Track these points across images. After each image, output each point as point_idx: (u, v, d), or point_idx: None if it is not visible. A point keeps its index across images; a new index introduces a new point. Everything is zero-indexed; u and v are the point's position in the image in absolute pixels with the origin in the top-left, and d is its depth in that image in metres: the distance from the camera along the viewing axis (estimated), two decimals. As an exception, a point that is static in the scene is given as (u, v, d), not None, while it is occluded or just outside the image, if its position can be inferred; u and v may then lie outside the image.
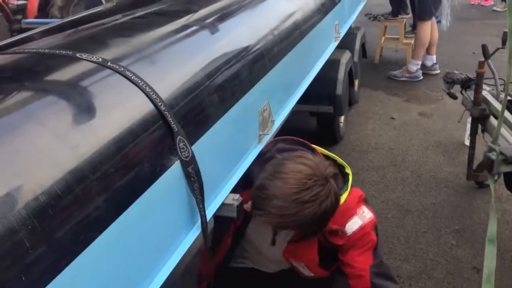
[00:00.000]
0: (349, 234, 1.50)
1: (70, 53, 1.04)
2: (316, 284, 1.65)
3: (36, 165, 0.78)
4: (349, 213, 1.51)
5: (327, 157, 1.60)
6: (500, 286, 2.46)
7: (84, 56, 1.03)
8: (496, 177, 3.22)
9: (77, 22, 2.06)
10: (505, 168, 1.36)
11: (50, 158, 0.80)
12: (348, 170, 1.59)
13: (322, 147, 1.65)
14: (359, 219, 1.51)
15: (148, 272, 1.00)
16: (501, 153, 1.34)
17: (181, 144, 1.08)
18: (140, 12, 1.59)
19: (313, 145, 1.59)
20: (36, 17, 7.26)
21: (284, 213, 1.29)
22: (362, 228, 1.50)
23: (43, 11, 7.64)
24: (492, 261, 1.42)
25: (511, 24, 1.11)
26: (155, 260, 1.03)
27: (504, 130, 2.60)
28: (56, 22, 2.16)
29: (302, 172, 1.31)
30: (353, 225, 1.50)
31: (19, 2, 7.76)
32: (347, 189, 1.53)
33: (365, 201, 1.61)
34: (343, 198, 1.48)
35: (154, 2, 2.01)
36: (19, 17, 6.82)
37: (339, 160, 1.61)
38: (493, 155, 1.35)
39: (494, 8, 8.45)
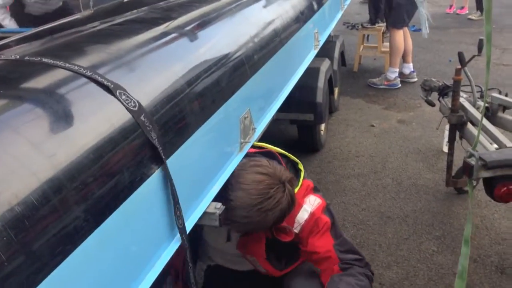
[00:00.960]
0: (302, 223, 1.54)
1: (46, 60, 1.01)
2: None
3: (12, 175, 0.75)
4: (297, 206, 1.54)
5: (281, 154, 1.66)
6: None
7: (60, 63, 1.01)
8: (474, 183, 3.28)
9: (54, 30, 2.04)
10: (485, 174, 1.37)
11: (26, 167, 0.77)
12: (301, 166, 1.66)
13: (303, 155, 1.69)
14: (307, 207, 1.56)
15: (127, 285, 0.98)
16: (480, 158, 1.35)
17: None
18: (118, 20, 1.57)
19: (264, 144, 1.64)
20: (11, 26, 7.15)
21: (249, 221, 1.38)
22: (312, 214, 1.55)
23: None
24: (465, 260, 1.46)
25: (488, 32, 1.12)
26: (135, 272, 1.01)
27: (481, 137, 2.64)
28: (32, 30, 2.13)
29: (263, 182, 1.39)
30: (303, 215, 1.55)
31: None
32: (297, 185, 1.57)
33: (314, 190, 1.63)
34: (301, 171, 1.61)
35: (132, 9, 2.00)
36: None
37: (291, 157, 1.68)
38: (472, 161, 1.36)
39: (469, 16, 8.61)
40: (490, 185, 1.76)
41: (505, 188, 1.75)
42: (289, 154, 1.69)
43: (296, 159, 1.67)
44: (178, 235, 1.14)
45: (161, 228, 1.10)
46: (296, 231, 1.54)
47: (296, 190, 1.53)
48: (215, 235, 1.70)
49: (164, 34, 1.44)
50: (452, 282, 2.58)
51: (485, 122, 2.78)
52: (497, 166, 1.35)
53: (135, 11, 1.74)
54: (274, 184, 1.38)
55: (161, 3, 1.92)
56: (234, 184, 1.39)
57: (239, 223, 1.39)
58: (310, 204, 1.56)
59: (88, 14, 2.28)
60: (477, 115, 2.91)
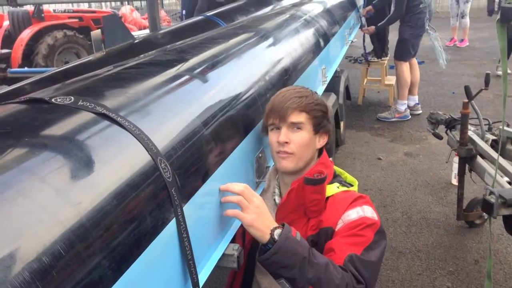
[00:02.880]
0: (345, 222, 1.37)
1: (68, 104, 1.02)
2: None
3: (38, 224, 0.75)
4: (353, 203, 1.41)
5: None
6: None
7: (82, 107, 1.02)
8: (485, 216, 3.23)
9: (68, 72, 2.07)
10: (505, 211, 1.36)
11: (53, 215, 0.77)
12: (353, 179, 1.62)
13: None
14: (360, 210, 1.39)
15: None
16: (500, 196, 1.34)
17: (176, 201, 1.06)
18: (132, 62, 1.59)
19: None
20: (20, 66, 7.27)
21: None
22: (361, 218, 1.36)
23: (27, 59, 7.67)
24: None
25: (504, 70, 1.13)
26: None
27: (492, 170, 2.63)
28: (46, 71, 2.16)
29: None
30: (352, 213, 1.39)
31: (3, 51, 7.79)
32: (352, 187, 1.54)
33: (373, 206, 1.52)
34: (345, 188, 1.49)
35: (143, 50, 2.03)
36: (3, 65, 6.82)
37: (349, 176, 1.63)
38: (492, 198, 1.35)
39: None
40: (510, 223, 1.74)
41: (525, 225, 1.73)
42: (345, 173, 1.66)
43: (353, 178, 1.62)
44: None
45: (175, 278, 1.08)
46: (336, 228, 1.38)
47: (355, 187, 1.53)
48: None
49: (179, 76, 1.46)
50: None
51: (495, 155, 2.77)
52: (517, 203, 1.34)
53: (149, 53, 1.76)
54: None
55: (173, 44, 1.95)
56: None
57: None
58: (368, 211, 1.40)
59: (100, 56, 2.32)
60: (486, 148, 2.91)
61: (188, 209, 1.10)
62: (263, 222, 1.25)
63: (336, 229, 1.39)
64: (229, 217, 1.35)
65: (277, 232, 1.24)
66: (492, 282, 1.46)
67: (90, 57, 2.37)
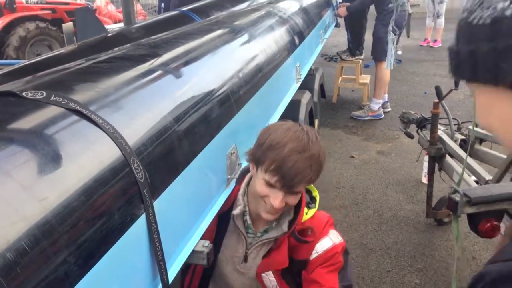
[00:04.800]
0: (320, 252, 1.49)
1: (40, 98, 1.01)
2: None
3: (3, 219, 0.73)
4: (321, 233, 1.50)
5: None
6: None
7: (55, 102, 1.00)
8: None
9: (39, 65, 2.03)
10: (469, 210, 1.39)
11: (17, 211, 0.76)
12: (316, 193, 1.60)
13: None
14: (331, 239, 1.51)
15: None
16: (465, 195, 1.37)
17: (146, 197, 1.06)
18: (104, 56, 1.57)
19: None
20: (-10, 57, 7.09)
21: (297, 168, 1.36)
22: (333, 247, 1.49)
23: (-3, 51, 7.49)
24: None
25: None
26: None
27: (460, 169, 2.69)
28: (17, 63, 2.12)
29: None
30: (326, 243, 1.49)
31: (-28, 42, 7.58)
32: (315, 207, 1.54)
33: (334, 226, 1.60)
34: (312, 211, 1.52)
35: (116, 44, 2.00)
36: (-28, 56, 6.64)
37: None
38: (457, 197, 1.38)
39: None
40: (474, 221, 1.79)
41: (489, 224, 1.78)
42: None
43: (312, 186, 1.62)
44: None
45: (144, 276, 1.07)
46: (311, 257, 1.49)
47: (314, 210, 1.53)
48: (231, 256, 1.58)
49: (152, 71, 1.44)
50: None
51: (463, 155, 2.83)
52: (481, 202, 1.38)
53: (121, 47, 1.74)
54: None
55: (147, 39, 1.93)
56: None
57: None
58: (335, 238, 1.51)
59: (72, 49, 2.29)
60: (455, 147, 2.97)
61: (158, 205, 1.10)
62: None
63: (310, 259, 1.48)
64: (199, 213, 1.35)
65: None
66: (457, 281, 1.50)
67: (62, 50, 2.33)
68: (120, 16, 10.10)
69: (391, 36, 5.27)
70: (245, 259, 1.53)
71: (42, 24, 8.24)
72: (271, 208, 1.38)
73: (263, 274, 1.54)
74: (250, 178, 1.50)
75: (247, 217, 1.52)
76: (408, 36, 7.63)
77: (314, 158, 1.40)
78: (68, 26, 2.54)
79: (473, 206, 1.38)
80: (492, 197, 1.41)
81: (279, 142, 1.38)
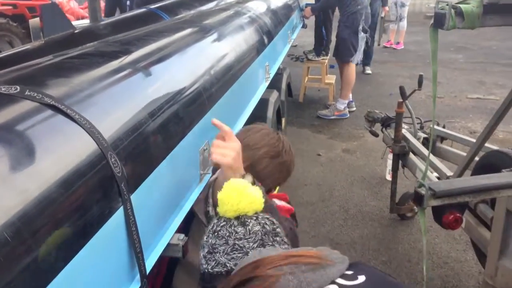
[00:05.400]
0: None
1: (14, 93, 1.01)
2: None
3: (-16, 211, 0.74)
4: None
5: None
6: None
7: (30, 97, 1.01)
8: (416, 210, 3.41)
9: (3, 60, 2.00)
10: (434, 202, 1.47)
11: (-2, 203, 0.77)
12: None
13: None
14: (277, 201, 1.50)
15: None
16: (430, 188, 1.44)
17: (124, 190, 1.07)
18: (75, 52, 1.57)
19: None
20: None
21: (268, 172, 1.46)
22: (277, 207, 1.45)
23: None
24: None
25: (434, 71, 1.22)
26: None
27: (423, 166, 2.79)
28: (-18, 59, 2.07)
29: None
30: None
31: None
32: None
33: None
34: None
35: (84, 41, 1.99)
36: None
37: None
38: (422, 190, 1.45)
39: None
40: (438, 213, 1.89)
41: (452, 216, 1.87)
42: None
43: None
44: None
45: (123, 267, 1.09)
46: None
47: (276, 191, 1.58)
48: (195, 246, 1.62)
49: (125, 67, 1.45)
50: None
51: (426, 152, 2.94)
52: (445, 195, 1.45)
53: (92, 44, 1.74)
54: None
55: (116, 36, 1.93)
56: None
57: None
58: (280, 202, 1.53)
59: (39, 45, 2.26)
60: (418, 145, 3.07)
61: (135, 199, 1.12)
62: (237, 162, 1.28)
63: None
64: (173, 207, 1.37)
65: (248, 179, 1.26)
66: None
67: (28, 46, 2.30)
68: (83, 13, 9.91)
69: (361, 35, 5.41)
70: None
71: (2, 20, 8.02)
72: None
73: None
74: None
75: (210, 208, 1.57)
76: (378, 44, 7.80)
77: (285, 166, 1.55)
78: (34, 21, 2.50)
79: (438, 199, 1.45)
80: (455, 191, 1.48)
81: (256, 144, 1.49)
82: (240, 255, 0.99)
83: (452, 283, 2.86)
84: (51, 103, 1.03)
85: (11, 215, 0.77)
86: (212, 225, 1.07)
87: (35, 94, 1.04)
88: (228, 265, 0.98)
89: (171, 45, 1.87)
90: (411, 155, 3.09)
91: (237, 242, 1.00)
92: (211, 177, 1.64)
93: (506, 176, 1.60)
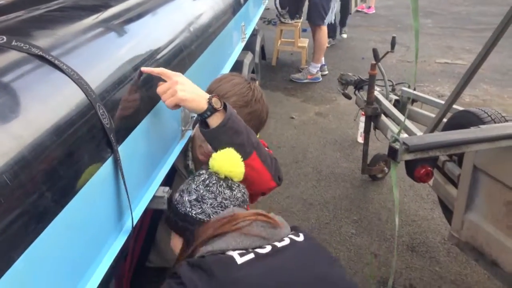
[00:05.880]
0: None
1: (1, 43, 1.00)
2: None
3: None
4: None
5: None
6: (390, 267, 2.71)
7: (17, 47, 1.00)
8: (386, 171, 3.52)
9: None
10: (407, 157, 1.54)
11: (-5, 147, 0.78)
12: None
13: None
14: None
15: (87, 267, 1.00)
16: (404, 143, 1.51)
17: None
18: (54, 6, 1.54)
19: None
20: None
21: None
22: None
23: None
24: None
25: (416, 29, 1.26)
26: (92, 257, 1.03)
27: (393, 126, 2.88)
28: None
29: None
30: None
31: None
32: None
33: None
34: None
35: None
36: None
37: None
38: (397, 145, 1.52)
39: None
40: (411, 167, 1.97)
41: (423, 170, 1.96)
42: None
43: None
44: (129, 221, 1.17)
45: (113, 215, 1.12)
46: None
47: None
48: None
49: (107, 20, 1.44)
50: (369, 260, 2.79)
51: (397, 113, 3.02)
52: (418, 150, 1.52)
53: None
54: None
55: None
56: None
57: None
58: None
59: (10, 0, 2.18)
60: (390, 107, 3.15)
61: (122, 151, 1.13)
62: (193, 92, 1.32)
63: None
64: (158, 161, 1.40)
65: (214, 101, 1.31)
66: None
67: (2, 1, 2.22)
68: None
69: None
70: None
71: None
72: (206, 151, 1.53)
73: None
74: None
75: (190, 162, 1.62)
76: (350, 13, 7.80)
77: (255, 115, 1.58)
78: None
79: (410, 153, 1.52)
80: (427, 145, 1.55)
81: (226, 93, 1.52)
82: (221, 210, 1.20)
83: (420, 239, 3.00)
84: (39, 53, 1.02)
85: (9, 158, 0.78)
86: (203, 177, 1.24)
87: (22, 45, 1.03)
88: (211, 216, 1.19)
89: (149, 0, 1.85)
90: (383, 117, 3.17)
91: (223, 201, 1.21)
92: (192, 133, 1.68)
93: (474, 131, 1.69)
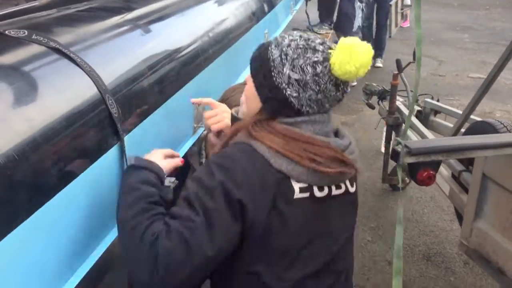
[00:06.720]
0: None
1: (22, 36, 1.11)
2: None
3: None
4: None
5: None
6: (408, 275, 2.71)
7: (36, 40, 1.11)
8: (408, 181, 3.52)
9: (12, 16, 2.09)
10: (409, 159, 1.58)
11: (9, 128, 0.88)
12: None
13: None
14: None
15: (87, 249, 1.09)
16: (406, 146, 1.55)
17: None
18: (82, 7, 1.66)
19: None
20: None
21: None
22: None
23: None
24: (400, 239, 1.66)
25: (418, 35, 1.31)
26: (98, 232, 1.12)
27: (412, 135, 2.89)
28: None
29: None
30: None
31: None
32: None
33: None
34: None
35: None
36: None
37: None
38: (399, 148, 1.56)
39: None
40: (413, 170, 2.01)
41: (426, 173, 1.99)
42: None
43: None
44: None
45: (115, 199, 1.20)
46: None
47: None
48: None
49: (128, 22, 1.55)
50: (383, 267, 2.81)
51: (418, 123, 3.03)
52: (420, 153, 1.55)
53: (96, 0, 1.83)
54: None
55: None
56: None
57: None
58: None
59: (46, 2, 2.34)
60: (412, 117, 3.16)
61: (128, 140, 1.22)
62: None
63: None
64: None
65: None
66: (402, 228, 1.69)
67: (36, 2, 2.38)
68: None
69: (357, 4, 5.45)
70: None
71: (10, -17, 8.03)
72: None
73: None
74: None
75: (203, 160, 1.71)
76: (390, 36, 7.57)
77: None
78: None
79: (413, 156, 1.56)
80: (429, 149, 1.59)
81: (239, 103, 1.55)
82: (315, 107, 1.16)
83: (436, 249, 2.98)
84: (56, 46, 1.13)
85: (19, 137, 0.88)
86: (315, 57, 1.13)
87: (41, 38, 1.14)
88: (302, 108, 1.15)
89: (172, 5, 1.96)
90: (404, 126, 3.18)
91: (323, 99, 1.17)
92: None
93: (478, 138, 1.71)
